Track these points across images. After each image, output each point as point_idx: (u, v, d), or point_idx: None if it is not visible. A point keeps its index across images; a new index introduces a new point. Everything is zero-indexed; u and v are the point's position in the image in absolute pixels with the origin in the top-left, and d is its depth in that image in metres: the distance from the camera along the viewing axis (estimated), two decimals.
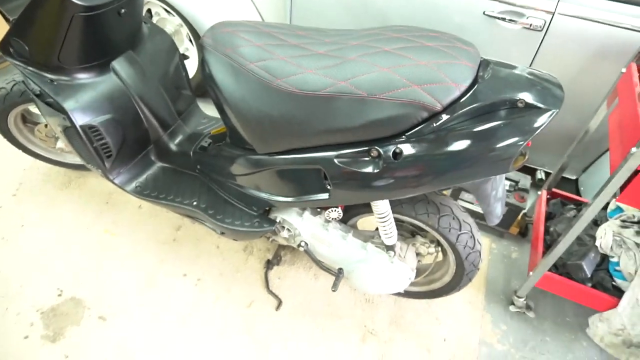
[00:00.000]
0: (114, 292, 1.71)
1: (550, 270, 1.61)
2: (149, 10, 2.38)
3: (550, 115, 0.98)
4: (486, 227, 2.08)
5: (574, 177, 2.23)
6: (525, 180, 2.00)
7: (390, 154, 1.08)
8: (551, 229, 1.81)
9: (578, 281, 1.62)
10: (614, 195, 1.30)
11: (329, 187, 1.24)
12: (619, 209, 1.70)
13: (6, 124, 1.80)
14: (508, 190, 1.96)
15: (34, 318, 1.60)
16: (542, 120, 0.98)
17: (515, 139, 0.99)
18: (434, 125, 1.04)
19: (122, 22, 1.42)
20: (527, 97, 1.00)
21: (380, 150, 1.09)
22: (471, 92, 1.04)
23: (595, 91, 1.83)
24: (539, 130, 0.98)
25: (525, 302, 1.76)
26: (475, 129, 1.02)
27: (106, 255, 1.82)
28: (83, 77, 1.45)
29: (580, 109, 1.90)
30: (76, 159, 1.99)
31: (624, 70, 1.52)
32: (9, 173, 2.08)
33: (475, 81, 1.05)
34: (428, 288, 1.66)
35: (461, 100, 1.03)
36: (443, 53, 1.07)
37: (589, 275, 1.61)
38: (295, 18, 2.13)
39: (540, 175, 2.32)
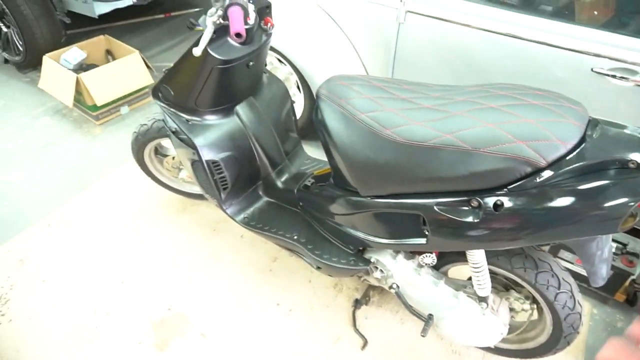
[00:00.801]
0: (214, 312, 1.86)
1: None
2: None
3: None
4: (588, 291, 1.96)
5: None
6: (635, 244, 1.87)
7: (491, 205, 1.12)
8: None
9: None
10: None
11: (426, 233, 1.29)
12: None
13: (142, 155, 2.11)
14: (615, 253, 1.84)
15: (147, 327, 1.80)
16: None
17: (625, 199, 0.98)
18: (538, 180, 1.06)
19: (249, 73, 1.64)
20: (639, 158, 0.99)
21: (481, 201, 1.13)
22: (578, 150, 1.05)
23: None
24: None
25: None
26: (581, 187, 1.02)
27: (210, 278, 2.00)
28: (212, 118, 1.67)
29: None
30: (193, 189, 2.24)
31: None
32: (137, 197, 2.39)
33: (582, 140, 1.07)
34: (520, 347, 1.60)
35: (567, 158, 1.05)
36: (549, 111, 1.10)
37: None
38: (397, 72, 2.25)
39: None
